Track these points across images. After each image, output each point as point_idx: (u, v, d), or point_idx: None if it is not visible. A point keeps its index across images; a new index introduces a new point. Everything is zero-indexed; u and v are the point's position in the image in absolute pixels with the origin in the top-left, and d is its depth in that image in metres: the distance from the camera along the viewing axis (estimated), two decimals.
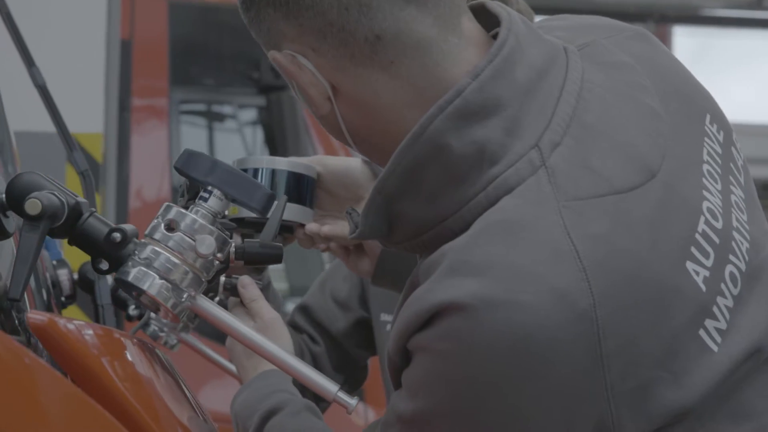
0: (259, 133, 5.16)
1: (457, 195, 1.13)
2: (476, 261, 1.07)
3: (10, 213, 1.15)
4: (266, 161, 1.58)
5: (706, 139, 1.22)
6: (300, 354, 1.99)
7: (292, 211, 1.56)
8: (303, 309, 2.08)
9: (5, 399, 0.78)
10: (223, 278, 1.58)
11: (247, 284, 1.59)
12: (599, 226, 1.09)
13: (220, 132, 5.37)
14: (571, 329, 1.06)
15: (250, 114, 5.09)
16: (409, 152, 1.14)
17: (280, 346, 1.34)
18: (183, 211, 1.16)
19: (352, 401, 1.18)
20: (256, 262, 1.36)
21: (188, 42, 5.00)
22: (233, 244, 1.41)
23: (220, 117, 5.39)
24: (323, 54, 1.16)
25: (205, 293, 1.59)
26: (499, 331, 1.05)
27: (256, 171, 1.57)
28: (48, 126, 3.94)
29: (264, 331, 1.54)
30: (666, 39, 10.79)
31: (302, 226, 1.58)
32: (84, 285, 1.97)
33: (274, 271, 5.74)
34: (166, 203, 1.18)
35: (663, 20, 10.56)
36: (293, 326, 2.05)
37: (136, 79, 4.85)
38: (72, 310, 2.70)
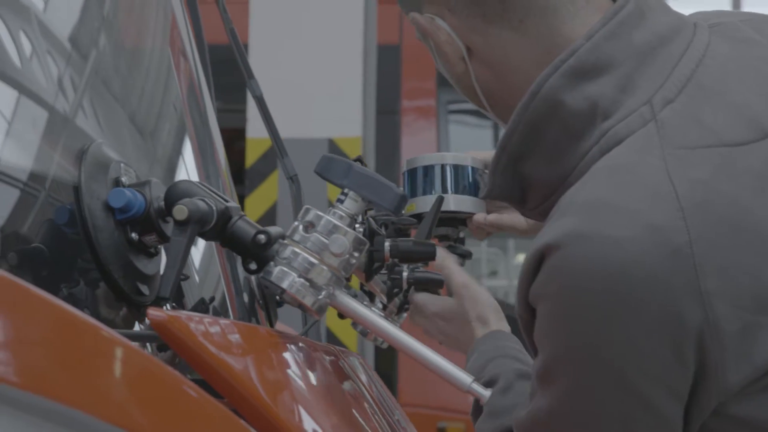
0: None
1: (575, 151, 1.18)
2: (578, 202, 1.11)
3: (169, 218, 1.24)
4: (434, 158, 1.64)
5: None
6: None
7: (463, 203, 1.63)
8: None
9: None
10: (405, 273, 1.63)
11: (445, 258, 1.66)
12: (701, 172, 1.10)
13: (487, 130, 5.44)
14: (667, 264, 1.06)
15: None
16: (527, 110, 1.19)
17: (479, 312, 1.42)
18: (319, 213, 1.22)
19: (486, 392, 1.21)
20: (409, 260, 1.40)
21: None
22: (388, 242, 1.46)
23: (486, 115, 5.46)
24: (457, 14, 1.24)
25: (390, 289, 1.66)
26: (592, 267, 1.07)
27: (425, 168, 1.63)
28: (314, 133, 4.14)
29: (459, 298, 1.61)
30: None
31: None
32: None
33: None
34: (306, 206, 1.25)
35: None
36: None
37: (405, 81, 5.00)
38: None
